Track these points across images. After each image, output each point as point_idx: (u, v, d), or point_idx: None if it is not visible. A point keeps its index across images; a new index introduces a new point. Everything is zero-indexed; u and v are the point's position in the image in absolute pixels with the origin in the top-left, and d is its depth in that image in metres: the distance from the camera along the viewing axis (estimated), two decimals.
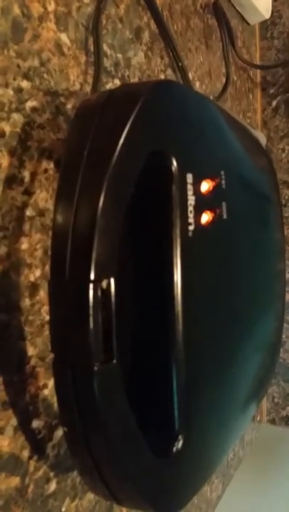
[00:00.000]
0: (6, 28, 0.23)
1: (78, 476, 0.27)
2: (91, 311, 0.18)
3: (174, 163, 0.22)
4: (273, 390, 0.59)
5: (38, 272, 0.24)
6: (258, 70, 0.61)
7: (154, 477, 0.21)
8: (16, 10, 0.24)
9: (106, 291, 0.19)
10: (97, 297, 0.18)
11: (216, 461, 0.28)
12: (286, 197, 0.59)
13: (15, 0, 0.24)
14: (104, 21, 0.30)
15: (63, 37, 0.27)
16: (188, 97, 0.24)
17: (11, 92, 0.23)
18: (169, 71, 0.38)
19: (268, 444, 0.58)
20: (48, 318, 0.25)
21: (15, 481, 0.23)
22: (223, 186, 0.26)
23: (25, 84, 0.24)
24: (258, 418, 0.59)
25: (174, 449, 0.22)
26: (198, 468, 0.25)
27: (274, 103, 0.59)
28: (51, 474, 0.26)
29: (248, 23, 0.59)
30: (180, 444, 0.23)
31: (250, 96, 0.58)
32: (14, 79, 0.23)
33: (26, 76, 0.24)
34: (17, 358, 0.23)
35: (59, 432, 0.26)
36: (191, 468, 0.24)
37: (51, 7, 0.26)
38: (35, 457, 0.24)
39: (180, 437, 0.23)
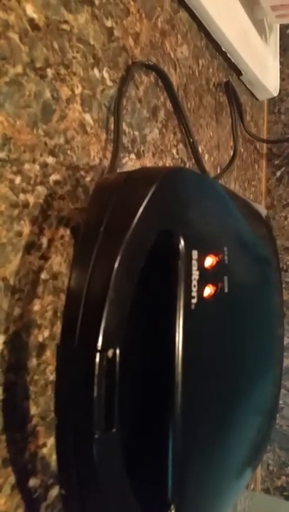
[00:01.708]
0: (37, 110, 0.26)
1: None
2: (96, 380, 0.19)
3: (182, 241, 0.24)
4: (268, 457, 0.58)
5: (46, 333, 0.26)
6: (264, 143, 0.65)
7: None
8: (47, 94, 0.26)
9: (111, 360, 0.20)
10: (102, 366, 0.19)
11: None
12: (287, 262, 0.61)
13: (47, 85, 0.26)
14: (124, 102, 0.33)
15: (87, 117, 0.29)
16: (197, 182, 0.26)
17: (37, 167, 0.25)
18: (181, 146, 0.41)
19: None
20: (52, 378, 0.26)
21: None
22: (226, 261, 0.28)
23: (50, 160, 0.26)
24: (252, 486, 0.58)
25: None
26: None
27: (278, 173, 0.62)
28: None
29: (256, 99, 0.64)
30: None
31: (256, 166, 0.61)
32: (41, 155, 0.25)
33: (52, 153, 0.26)
34: (21, 417, 0.24)
35: (53, 492, 0.26)
36: None
37: (78, 90, 0.29)
38: None
39: (172, 506, 0.23)
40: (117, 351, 0.20)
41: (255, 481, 0.58)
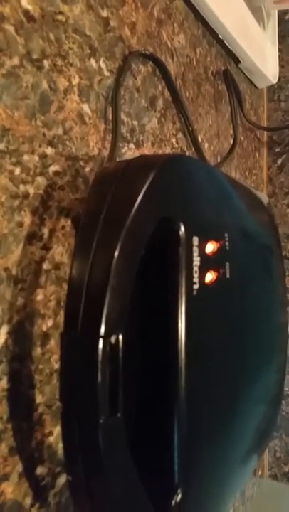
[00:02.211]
0: (35, 101, 0.26)
1: None
2: (99, 366, 0.19)
3: (182, 227, 0.24)
4: (275, 444, 0.58)
5: (50, 322, 0.26)
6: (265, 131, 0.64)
7: None
8: (45, 85, 0.26)
9: (114, 346, 0.20)
10: (105, 352, 0.20)
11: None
12: None
13: (44, 76, 0.26)
14: (122, 92, 0.33)
15: (85, 107, 0.29)
16: (196, 169, 0.26)
17: (37, 158, 0.25)
18: (180, 135, 0.41)
19: (269, 500, 0.57)
20: (56, 366, 0.26)
21: None
22: (227, 247, 0.28)
23: (49, 150, 0.26)
24: (260, 472, 0.58)
25: (173, 502, 0.23)
26: None
27: (279, 161, 0.62)
28: None
29: (256, 87, 0.63)
30: (179, 497, 0.23)
31: (257, 154, 0.61)
32: (40, 146, 0.25)
33: (51, 143, 0.26)
34: (26, 406, 0.24)
35: (61, 480, 0.26)
36: None
37: (75, 81, 0.29)
38: (36, 505, 0.25)
39: (179, 491, 0.24)
40: (120, 337, 0.20)
41: (262, 468, 0.59)
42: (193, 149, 0.43)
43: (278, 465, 0.58)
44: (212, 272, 0.26)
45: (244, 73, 0.60)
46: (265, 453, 0.59)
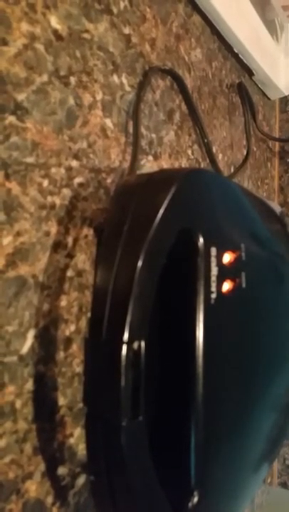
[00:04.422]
0: (62, 117, 0.27)
1: None
2: (123, 370, 0.20)
3: (201, 239, 0.25)
4: (285, 452, 0.59)
5: (72, 327, 0.27)
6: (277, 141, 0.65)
7: None
8: (71, 100, 0.28)
9: (137, 352, 0.21)
10: (128, 358, 0.21)
11: None
12: None
13: (70, 92, 0.28)
14: (142, 106, 0.34)
15: (108, 122, 0.31)
16: (214, 182, 0.28)
17: (63, 171, 0.26)
18: (196, 146, 0.42)
19: (278, 508, 0.57)
20: (78, 370, 0.27)
21: None
22: (243, 258, 0.29)
23: (74, 163, 0.27)
24: (269, 480, 0.59)
25: (190, 504, 0.24)
26: None
27: None
28: None
29: (268, 98, 0.64)
30: (195, 499, 0.24)
31: (269, 164, 0.62)
32: (66, 159, 0.27)
33: (76, 156, 0.27)
34: (49, 407, 0.25)
35: (80, 480, 0.27)
36: None
37: (99, 96, 0.30)
38: (57, 504, 0.26)
39: (195, 493, 0.24)
40: (142, 343, 0.21)
41: (272, 476, 0.59)
42: (207, 160, 0.44)
43: (288, 473, 0.58)
44: (229, 281, 0.27)
45: (257, 85, 0.61)
46: (274, 461, 0.59)
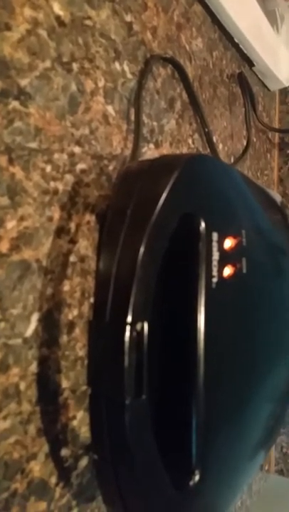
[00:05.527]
0: (65, 103, 0.27)
1: (98, 507, 0.29)
2: (126, 350, 0.21)
3: (202, 223, 0.25)
4: (282, 440, 0.59)
5: (75, 312, 0.27)
6: (277, 132, 0.65)
7: (173, 509, 0.23)
8: (73, 87, 0.28)
9: (140, 333, 0.21)
10: (132, 338, 0.21)
11: (227, 500, 0.29)
12: None
13: (73, 78, 0.28)
14: (143, 94, 0.35)
15: (110, 109, 0.31)
16: (216, 168, 0.28)
17: (65, 157, 0.27)
18: (196, 135, 0.42)
19: (275, 494, 0.58)
20: (80, 353, 0.28)
21: (42, 505, 0.25)
22: (244, 243, 0.29)
23: (77, 149, 0.27)
24: (266, 467, 0.59)
25: (191, 483, 0.24)
26: (212, 504, 0.27)
27: None
28: (73, 503, 0.27)
29: (268, 89, 0.65)
30: (196, 478, 0.25)
31: (268, 155, 0.62)
32: (68, 145, 0.27)
33: (78, 143, 0.28)
34: (53, 390, 0.26)
35: (83, 462, 0.28)
36: (206, 502, 0.26)
37: (101, 83, 0.30)
38: (61, 484, 0.26)
39: (196, 472, 0.25)
40: (145, 324, 0.21)
41: (269, 463, 0.60)
42: (208, 149, 0.45)
43: (285, 460, 0.59)
44: (230, 266, 0.28)
45: (257, 76, 0.61)
46: (272, 448, 0.60)
